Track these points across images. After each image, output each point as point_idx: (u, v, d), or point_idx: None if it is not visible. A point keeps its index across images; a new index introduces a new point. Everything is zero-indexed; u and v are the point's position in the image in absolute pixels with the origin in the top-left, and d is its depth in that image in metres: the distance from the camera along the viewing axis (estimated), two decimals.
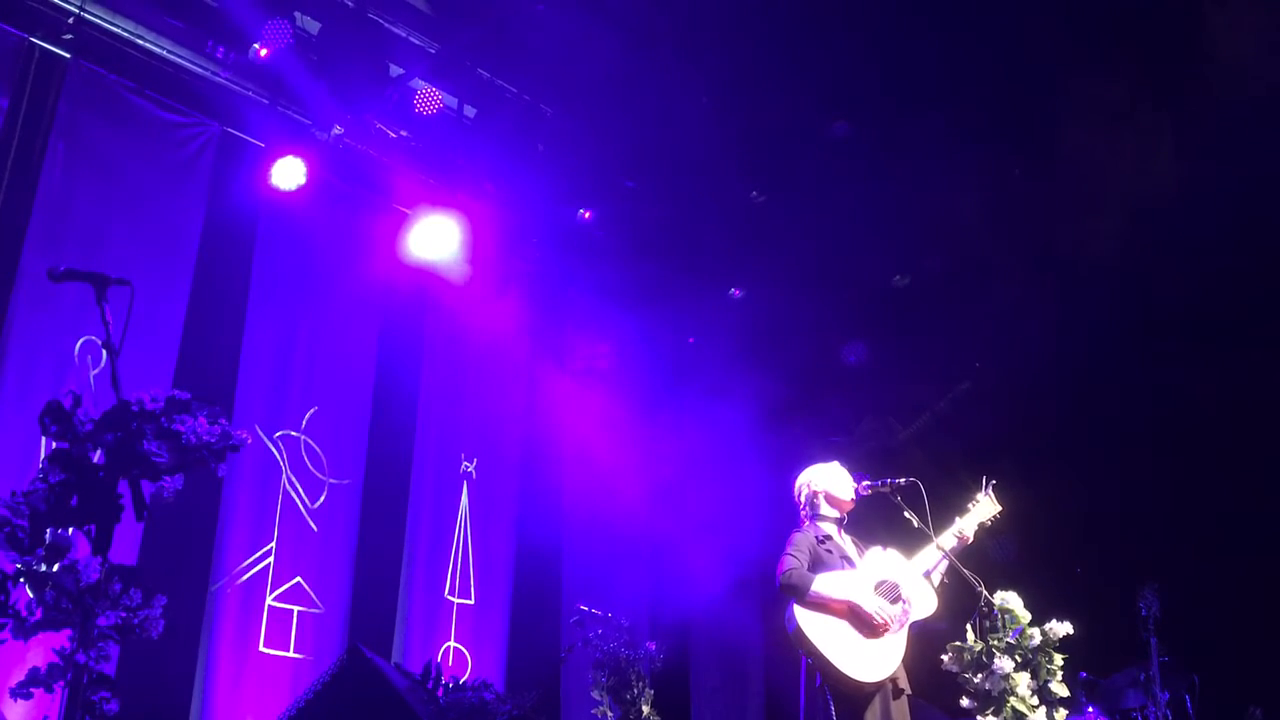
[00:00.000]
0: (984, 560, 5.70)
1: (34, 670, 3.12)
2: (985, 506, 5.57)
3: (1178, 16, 6.99)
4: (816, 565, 5.24)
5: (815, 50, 7.40)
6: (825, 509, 5.50)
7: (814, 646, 5.02)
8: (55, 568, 3.16)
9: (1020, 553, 7.70)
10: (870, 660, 5.06)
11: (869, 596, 5.16)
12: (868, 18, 7.18)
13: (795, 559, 5.20)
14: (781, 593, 5.19)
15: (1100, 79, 7.34)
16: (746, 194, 8.61)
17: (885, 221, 8.65)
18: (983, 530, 5.55)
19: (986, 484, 5.63)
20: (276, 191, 7.09)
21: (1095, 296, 8.42)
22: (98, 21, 6.59)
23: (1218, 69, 6.99)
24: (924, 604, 5.26)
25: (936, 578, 5.39)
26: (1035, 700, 5.13)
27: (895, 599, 5.22)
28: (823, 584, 5.13)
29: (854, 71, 7.54)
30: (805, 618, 5.09)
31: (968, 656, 5.26)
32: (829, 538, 5.41)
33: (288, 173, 7.05)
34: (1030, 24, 7.01)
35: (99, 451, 3.24)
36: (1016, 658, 5.19)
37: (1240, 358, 8.35)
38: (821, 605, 5.10)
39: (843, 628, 5.09)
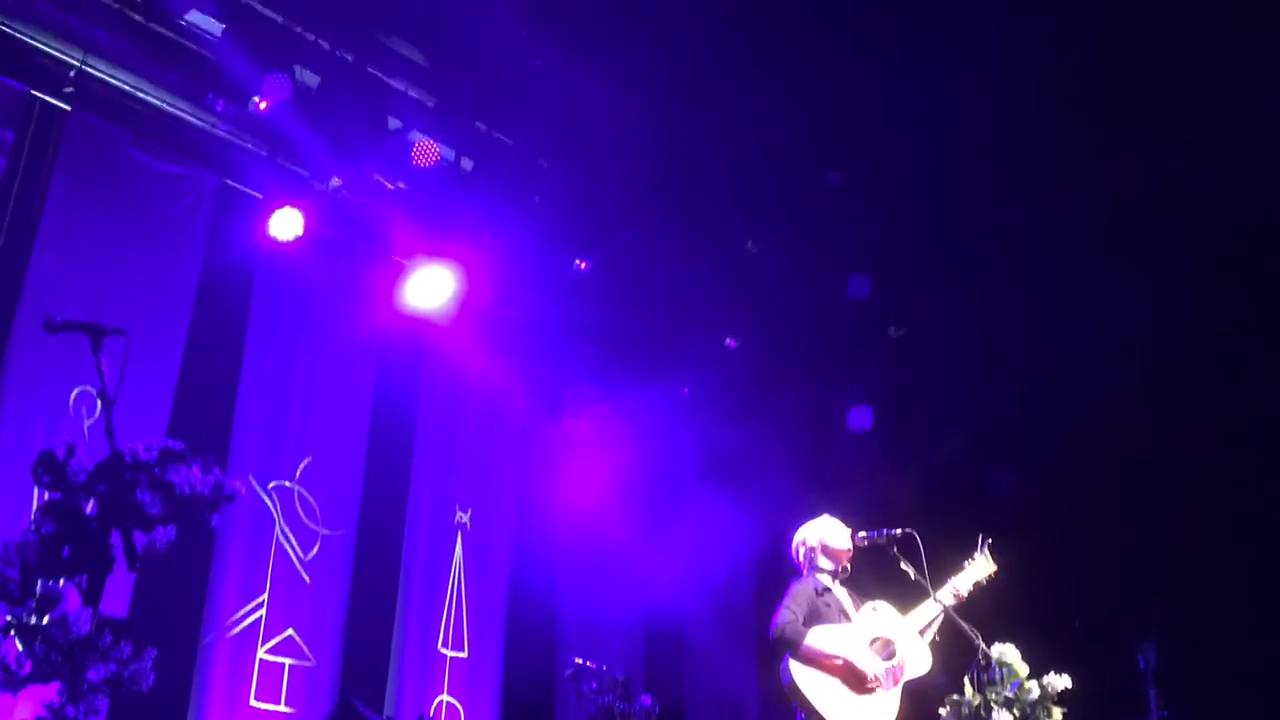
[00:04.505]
0: (992, 616, 5.65)
1: None
2: (981, 565, 5.56)
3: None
4: (814, 618, 5.21)
5: (811, 101, 7.48)
6: (823, 561, 5.49)
7: (808, 701, 4.99)
8: (45, 620, 3.13)
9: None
10: (864, 717, 5.03)
11: (863, 653, 5.14)
12: (865, 67, 7.25)
13: (791, 612, 5.18)
14: (775, 646, 5.17)
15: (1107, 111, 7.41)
16: (742, 244, 8.66)
17: (882, 272, 8.70)
18: (978, 589, 5.54)
19: (982, 543, 5.62)
20: (274, 242, 7.11)
21: (1087, 351, 8.46)
22: (98, 75, 6.64)
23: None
24: (919, 662, 5.24)
25: (929, 635, 5.37)
26: None
27: (890, 655, 5.19)
28: (816, 638, 5.10)
29: (851, 121, 7.62)
30: (799, 672, 5.06)
31: (966, 710, 5.20)
32: (828, 590, 5.40)
33: (285, 224, 7.08)
34: (1029, 57, 7.08)
35: (91, 502, 3.23)
36: (1015, 712, 5.14)
37: (1236, 406, 8.37)
38: (815, 660, 5.08)
39: (837, 684, 5.06)
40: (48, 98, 6.50)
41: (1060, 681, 5.24)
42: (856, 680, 5.07)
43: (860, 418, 9.43)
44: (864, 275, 8.98)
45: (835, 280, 8.78)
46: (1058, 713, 5.20)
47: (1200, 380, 8.31)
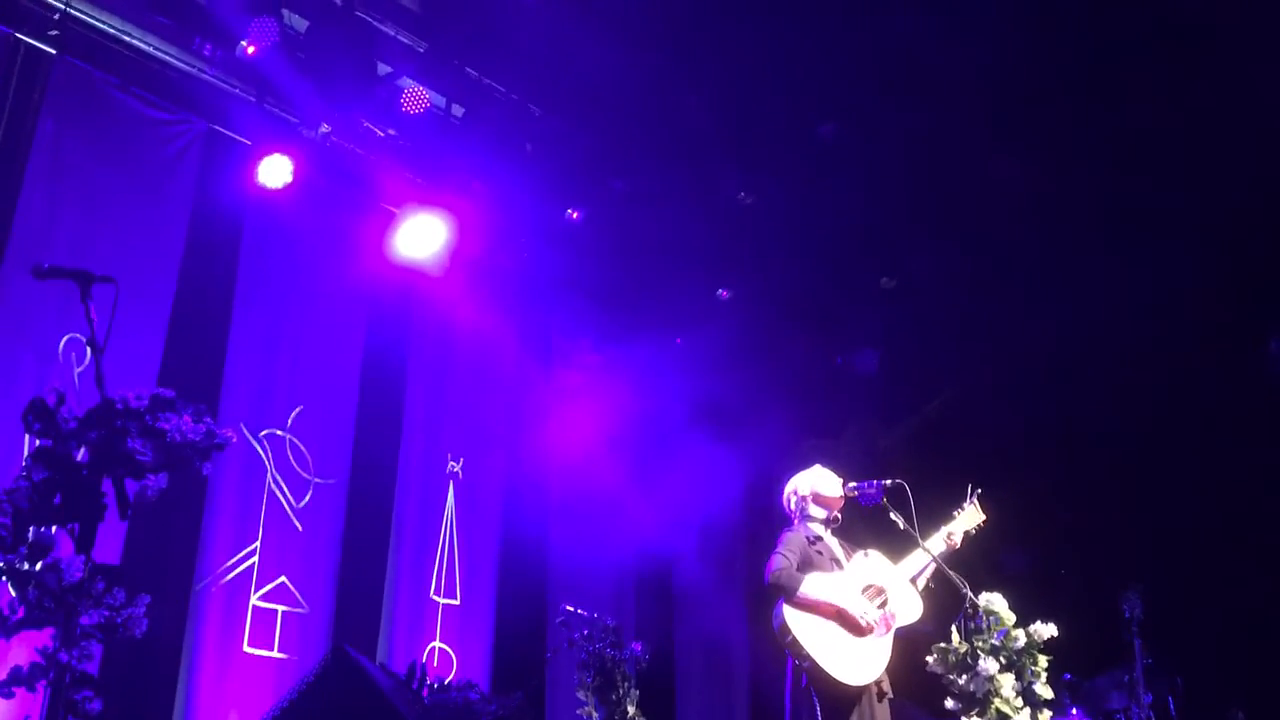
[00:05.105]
0: (980, 566, 5.69)
1: (16, 669, 3.10)
2: (970, 515, 5.60)
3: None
4: (806, 566, 5.25)
5: (805, 50, 7.41)
6: (815, 510, 5.52)
7: (801, 647, 5.04)
8: (38, 566, 3.14)
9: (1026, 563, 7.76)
10: (857, 663, 5.08)
11: (856, 599, 5.18)
12: (859, 16, 7.18)
13: (785, 558, 5.22)
14: (769, 591, 5.21)
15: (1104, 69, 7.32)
16: (734, 194, 8.62)
17: (873, 224, 8.67)
18: (967, 538, 5.57)
19: (971, 493, 5.66)
20: (263, 190, 7.06)
21: (1079, 305, 8.46)
22: (84, 18, 6.54)
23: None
24: (910, 609, 5.29)
25: (921, 582, 5.42)
26: (1019, 702, 5.13)
27: (882, 603, 5.24)
28: (811, 585, 5.14)
29: (844, 71, 7.55)
30: (793, 617, 5.10)
31: (953, 658, 5.26)
32: (819, 539, 5.44)
33: (274, 171, 7.03)
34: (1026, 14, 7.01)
35: (83, 450, 3.23)
36: (1001, 659, 5.19)
37: (1221, 364, 8.40)
38: (809, 606, 5.12)
39: (830, 629, 5.11)
40: (33, 40, 6.39)
41: (1046, 630, 5.30)
42: (850, 626, 5.12)
43: (842, 355, 9.53)
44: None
45: (827, 231, 8.75)
46: (1043, 660, 5.26)
47: (1188, 338, 8.34)
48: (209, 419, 3.35)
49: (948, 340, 9.25)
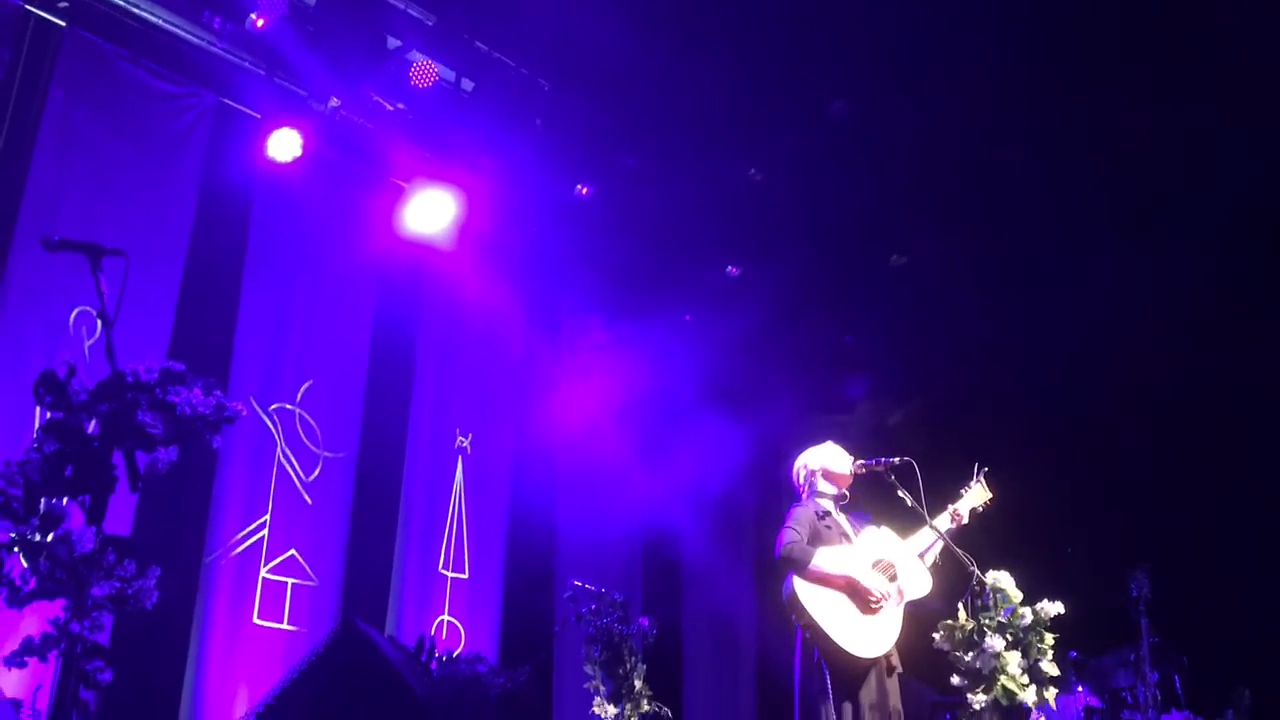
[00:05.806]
0: (981, 542, 5.70)
1: (28, 639, 3.12)
2: (977, 493, 5.63)
3: None
4: (815, 541, 5.28)
5: (817, 27, 7.36)
6: (824, 486, 5.54)
7: (813, 620, 5.07)
8: (49, 537, 3.15)
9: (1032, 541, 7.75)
10: (867, 636, 5.11)
11: (867, 572, 5.21)
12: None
13: (796, 532, 5.24)
14: (780, 565, 5.23)
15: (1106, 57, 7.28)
16: (745, 171, 8.58)
17: (884, 201, 8.63)
18: (974, 515, 5.59)
19: (979, 471, 5.68)
20: (272, 163, 7.06)
21: (1084, 283, 8.43)
22: None
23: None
24: (919, 584, 5.31)
25: (930, 559, 5.43)
26: (1025, 679, 5.14)
27: (892, 577, 5.26)
28: (822, 558, 5.17)
29: (856, 48, 7.50)
30: (804, 591, 5.13)
31: (959, 635, 5.27)
32: (828, 514, 5.45)
33: (284, 145, 7.02)
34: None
35: (93, 422, 3.23)
36: (1007, 637, 5.20)
37: (1230, 341, 8.37)
38: (821, 579, 5.15)
39: (841, 603, 5.13)
40: (42, 13, 6.38)
41: (1053, 608, 5.30)
42: (860, 599, 5.15)
43: (852, 332, 9.56)
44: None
45: (838, 208, 8.71)
46: (1049, 638, 5.27)
47: (1193, 316, 8.31)
48: (219, 392, 3.35)
49: (955, 320, 9.23)
